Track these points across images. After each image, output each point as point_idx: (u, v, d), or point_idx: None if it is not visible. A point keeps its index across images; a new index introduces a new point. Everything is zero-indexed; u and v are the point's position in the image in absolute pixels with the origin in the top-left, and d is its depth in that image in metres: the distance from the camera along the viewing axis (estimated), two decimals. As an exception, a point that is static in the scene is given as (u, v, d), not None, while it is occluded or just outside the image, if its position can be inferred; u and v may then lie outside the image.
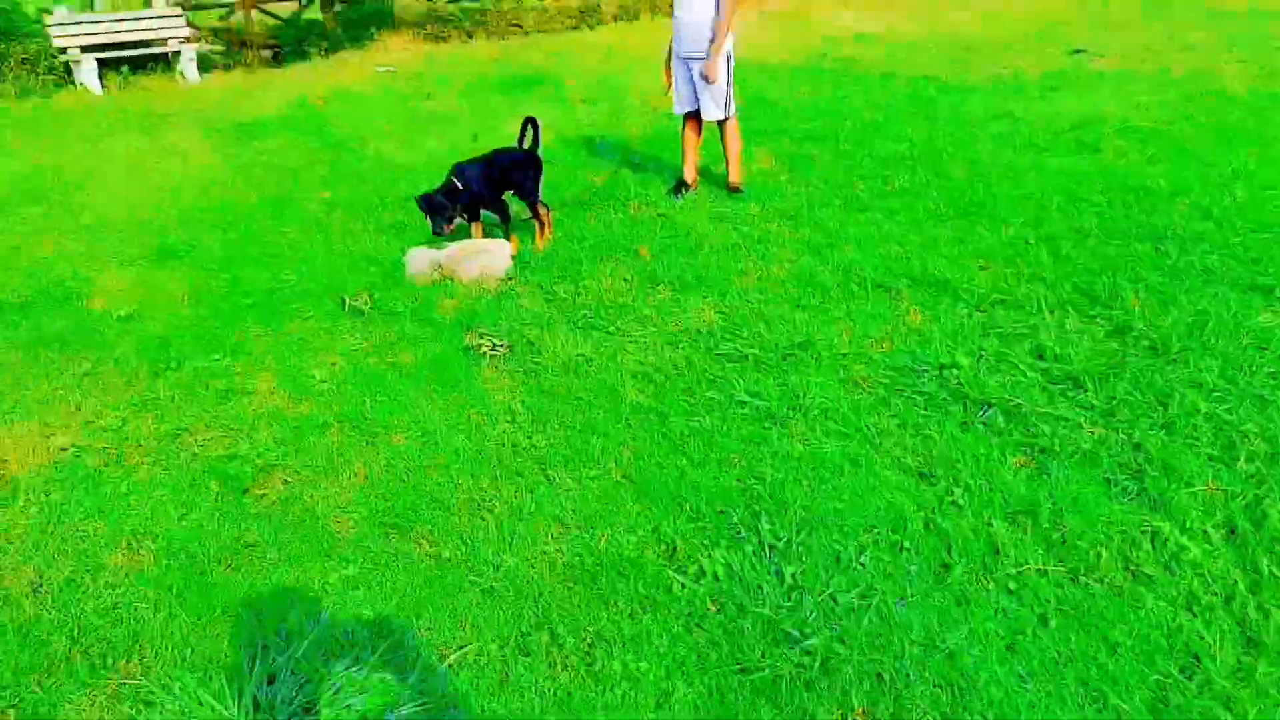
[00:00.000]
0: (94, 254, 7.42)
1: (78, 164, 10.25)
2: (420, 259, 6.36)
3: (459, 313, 5.82)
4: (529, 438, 4.35)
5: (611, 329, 5.44)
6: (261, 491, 4.08)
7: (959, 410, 4.30)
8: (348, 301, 6.02)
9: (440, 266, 6.33)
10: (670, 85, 7.76)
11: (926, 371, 4.65)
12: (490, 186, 6.60)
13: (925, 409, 4.33)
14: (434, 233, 6.19)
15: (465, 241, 6.44)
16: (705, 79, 7.36)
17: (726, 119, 7.57)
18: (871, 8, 19.29)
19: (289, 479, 4.15)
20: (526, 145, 7.00)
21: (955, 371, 4.59)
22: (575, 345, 5.22)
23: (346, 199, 8.51)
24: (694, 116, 7.78)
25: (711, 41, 7.31)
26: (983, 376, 4.52)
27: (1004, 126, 9.35)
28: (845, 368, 4.77)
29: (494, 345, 5.32)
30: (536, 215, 6.89)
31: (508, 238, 6.73)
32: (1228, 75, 10.83)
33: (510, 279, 6.29)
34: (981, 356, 4.74)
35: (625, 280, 6.11)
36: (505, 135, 10.49)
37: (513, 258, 6.44)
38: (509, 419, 4.53)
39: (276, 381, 5.09)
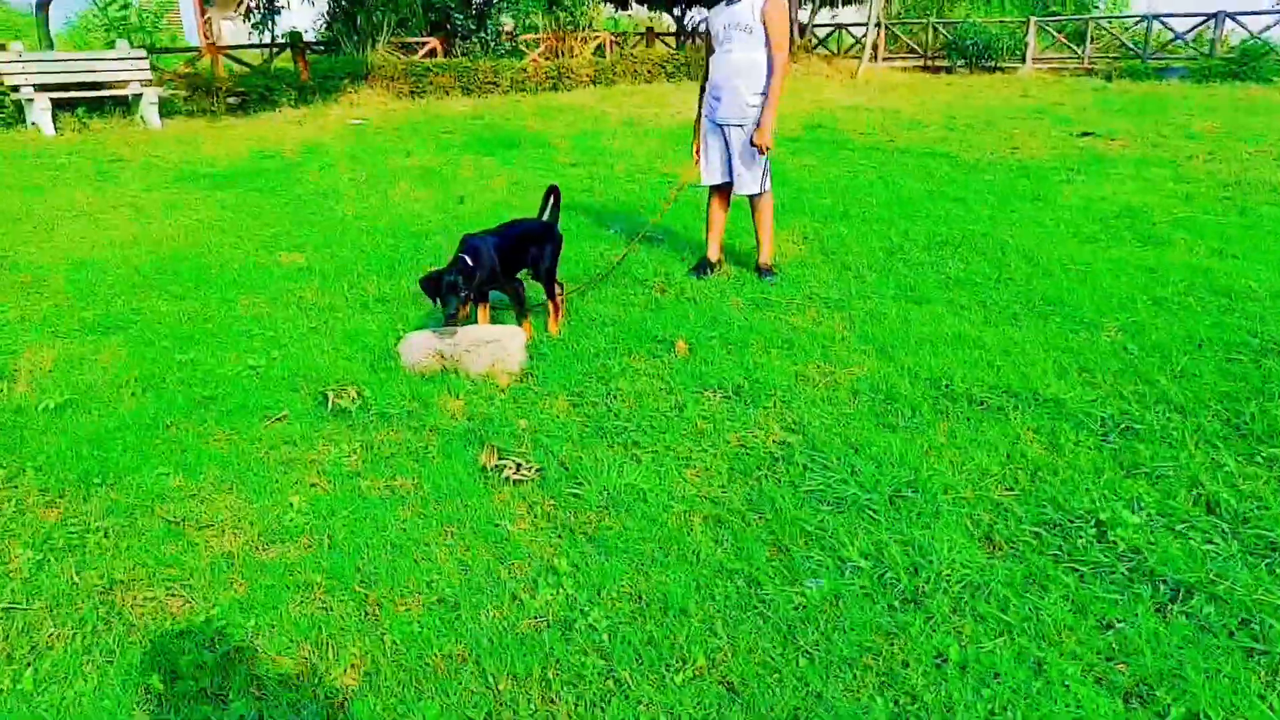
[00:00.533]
0: (25, 321, 6.12)
1: (18, 213, 8.93)
2: (418, 347, 5.17)
3: (468, 418, 4.65)
4: (583, 614, 3.18)
5: (660, 447, 4.30)
6: (220, 694, 2.84)
7: (1145, 589, 3.21)
8: (331, 398, 4.81)
9: (443, 357, 5.14)
10: (699, 155, 6.71)
11: (1079, 528, 3.56)
12: (506, 263, 5.45)
13: (1100, 587, 3.22)
14: (446, 319, 5.03)
15: (472, 328, 5.28)
16: (752, 148, 6.34)
17: (762, 194, 6.54)
18: (848, 87, 18.64)
19: (259, 675, 2.91)
20: (546, 217, 5.90)
21: (1119, 531, 3.50)
22: (620, 470, 4.07)
23: (323, 265, 7.32)
24: (722, 189, 6.74)
25: (756, 107, 6.29)
26: (1158, 539, 3.43)
27: (1038, 211, 8.44)
28: (974, 518, 3.67)
29: (518, 467, 4.14)
30: (552, 296, 5.76)
31: (520, 323, 5.57)
32: (1252, 163, 10.07)
33: (526, 374, 5.12)
34: (1139, 507, 3.66)
35: (664, 382, 4.98)
36: (493, 198, 9.43)
37: (527, 347, 5.28)
38: (551, 582, 3.35)
39: (240, 511, 3.86)
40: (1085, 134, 12.43)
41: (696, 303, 6.20)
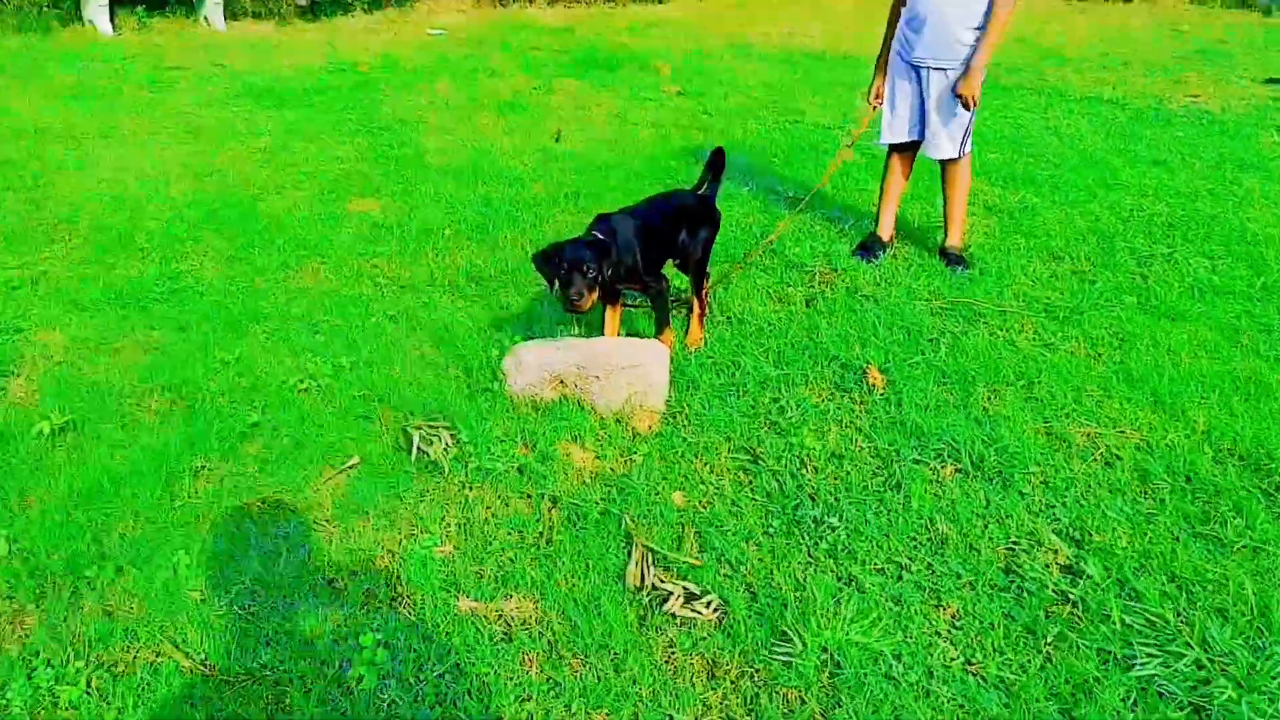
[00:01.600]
0: (41, 285, 4.81)
1: (59, 130, 7.57)
2: (531, 366, 3.74)
3: (602, 481, 3.24)
4: None
5: (888, 563, 2.90)
6: None
7: None
8: (416, 441, 3.40)
9: (564, 384, 3.70)
10: (879, 101, 5.10)
11: None
12: (650, 252, 3.97)
13: None
14: (566, 304, 3.57)
15: (600, 341, 3.81)
16: (957, 99, 4.72)
17: (960, 158, 4.93)
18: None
19: None
20: (704, 189, 4.38)
21: None
22: (838, 609, 2.66)
23: (400, 219, 5.88)
24: (906, 150, 5.14)
25: (969, 46, 4.66)
26: None
27: (1263, 182, 6.70)
28: None
29: (686, 596, 2.72)
30: (699, 294, 4.27)
31: (660, 333, 4.08)
32: None
33: (672, 411, 3.66)
34: None
35: (866, 437, 3.53)
36: (594, 134, 7.87)
37: (671, 370, 3.83)
38: None
39: (290, 664, 2.49)
40: (1272, 80, 10.44)
41: (877, 302, 4.67)
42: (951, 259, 5.18)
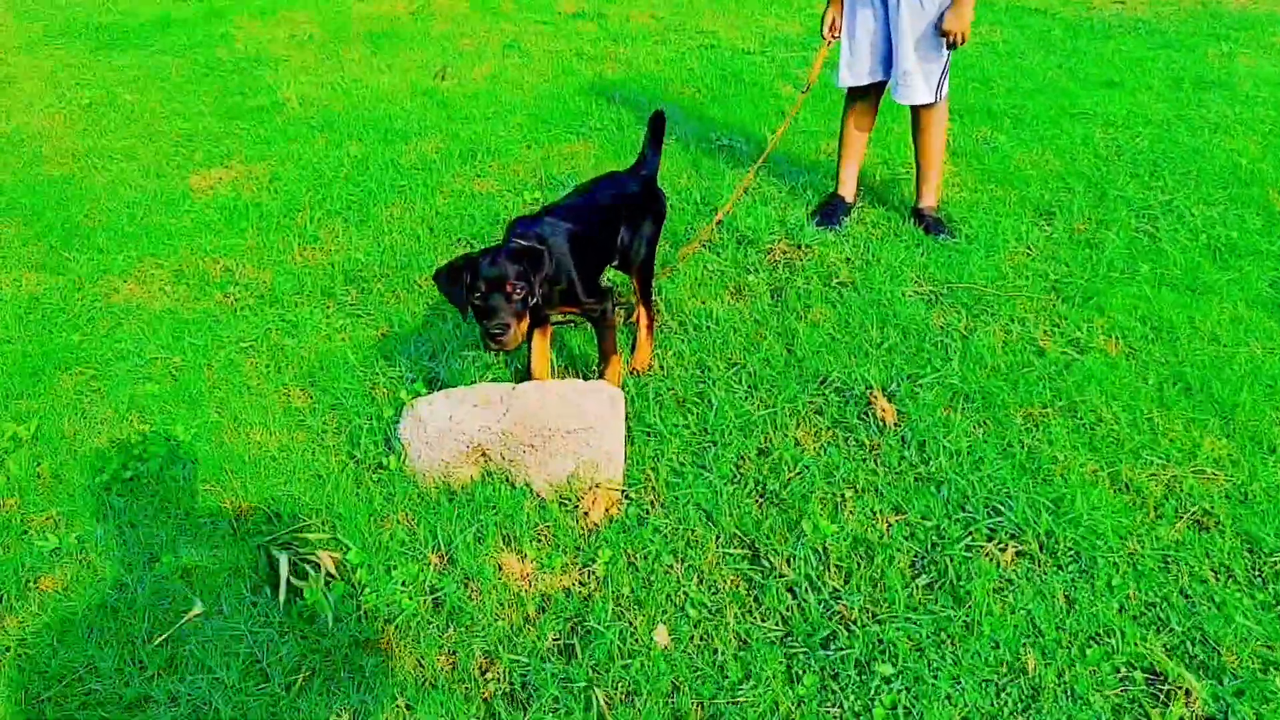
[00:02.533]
0: None
1: None
2: (438, 431, 2.67)
3: (554, 615, 2.25)
4: None
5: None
6: None
7: None
8: (284, 571, 2.30)
9: (486, 456, 2.63)
10: (834, 34, 4.05)
11: None
12: (591, 261, 2.88)
13: None
14: (487, 343, 2.51)
15: (531, 391, 2.75)
16: (938, 37, 3.72)
17: (935, 104, 3.92)
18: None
19: None
20: (645, 169, 3.30)
21: None
22: None
23: (258, 195, 4.65)
24: (869, 95, 4.11)
25: (960, -29, 3.65)
26: None
27: (1230, 104, 5.88)
28: None
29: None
30: (647, 302, 3.21)
31: (604, 368, 3.03)
32: None
33: (635, 481, 2.65)
34: None
35: (890, 506, 2.60)
36: (486, 69, 6.56)
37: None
38: None
39: None
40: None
41: (858, 290, 3.70)
42: (929, 223, 4.22)
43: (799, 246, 4.08)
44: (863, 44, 4.02)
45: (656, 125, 3.36)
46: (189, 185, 4.81)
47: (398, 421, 2.82)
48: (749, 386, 3.17)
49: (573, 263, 2.81)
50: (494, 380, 3.13)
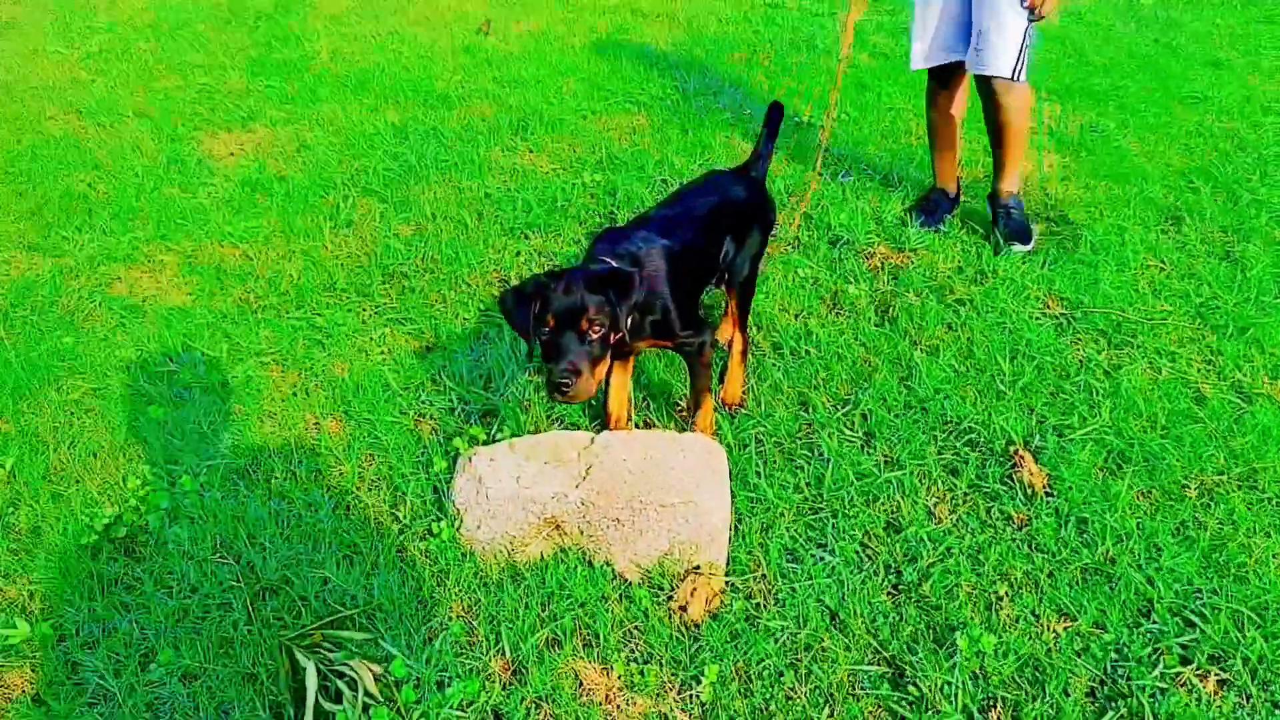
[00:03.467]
0: None
1: None
2: (501, 496, 2.09)
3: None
4: None
5: None
6: None
7: None
8: (311, 689, 1.74)
9: (559, 528, 2.07)
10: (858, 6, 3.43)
11: None
12: (693, 285, 2.30)
13: None
14: (553, 390, 1.91)
15: (616, 444, 2.16)
16: (1022, 7, 3.05)
17: (1014, 81, 3.19)
18: None
19: None
20: (756, 169, 2.69)
21: None
22: None
23: (285, 167, 4.08)
24: (948, 76, 3.42)
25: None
26: None
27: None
28: None
29: None
30: (743, 327, 2.61)
31: (697, 412, 2.44)
32: None
33: (738, 567, 2.09)
34: None
35: (1055, 611, 2.05)
36: (537, 21, 5.87)
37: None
38: None
39: None
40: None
41: (978, 310, 3.11)
42: (1009, 215, 3.55)
43: (902, 250, 3.47)
44: (934, 14, 3.36)
45: (773, 119, 2.75)
46: (206, 152, 4.21)
47: (450, 477, 2.26)
48: (865, 434, 2.59)
49: (670, 288, 2.22)
50: (564, 421, 2.55)
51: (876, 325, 3.07)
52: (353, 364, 2.85)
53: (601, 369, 2.07)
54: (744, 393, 2.73)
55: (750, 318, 2.76)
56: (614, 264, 2.15)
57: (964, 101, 3.59)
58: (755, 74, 5.19)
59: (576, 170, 4.02)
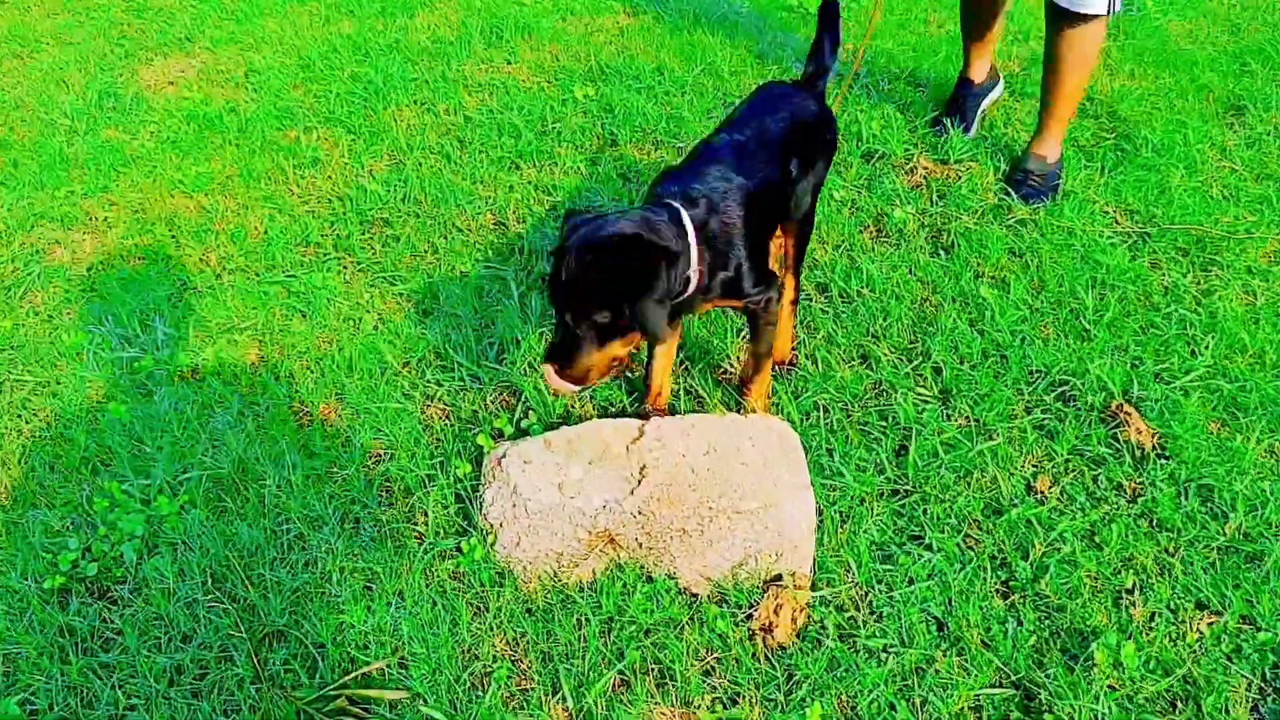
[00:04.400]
0: None
1: None
2: (543, 510, 1.79)
3: None
4: None
5: None
6: None
7: None
8: None
9: (615, 542, 1.71)
10: None
11: None
12: (769, 222, 1.91)
13: None
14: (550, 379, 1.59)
15: (671, 430, 1.82)
16: None
17: (1097, 15, 2.66)
18: None
19: None
20: (815, 76, 2.24)
21: None
22: None
23: (229, 98, 3.50)
24: None
25: None
26: None
27: None
28: None
29: None
30: (797, 271, 2.23)
31: (754, 379, 2.06)
32: None
33: (826, 574, 1.77)
34: None
35: (1191, 597, 1.73)
36: None
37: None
38: None
39: None
40: None
41: (1041, 232, 2.72)
42: (1029, 180, 2.91)
43: (945, 162, 3.06)
44: None
45: (829, 16, 2.30)
46: (142, 83, 3.66)
47: (475, 482, 1.89)
48: (940, 392, 2.24)
49: (747, 240, 1.83)
50: (595, 399, 2.18)
51: (931, 255, 2.69)
52: (340, 336, 2.44)
53: (602, 358, 1.69)
54: (794, 348, 2.37)
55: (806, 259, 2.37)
56: (678, 208, 1.74)
57: (1000, 11, 3.10)
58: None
59: (564, 84, 3.54)
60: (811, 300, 2.53)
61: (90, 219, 2.94)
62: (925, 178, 3.03)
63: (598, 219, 1.71)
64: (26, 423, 2.26)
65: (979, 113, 3.21)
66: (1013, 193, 2.91)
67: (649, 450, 1.84)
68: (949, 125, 3.15)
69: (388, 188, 3.01)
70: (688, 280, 1.75)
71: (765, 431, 1.89)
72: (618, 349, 1.72)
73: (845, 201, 2.92)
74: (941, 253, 2.72)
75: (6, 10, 4.29)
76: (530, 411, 2.17)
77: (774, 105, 2.09)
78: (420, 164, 3.12)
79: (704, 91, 3.43)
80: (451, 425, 2.18)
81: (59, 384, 2.34)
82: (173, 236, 2.84)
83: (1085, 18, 2.60)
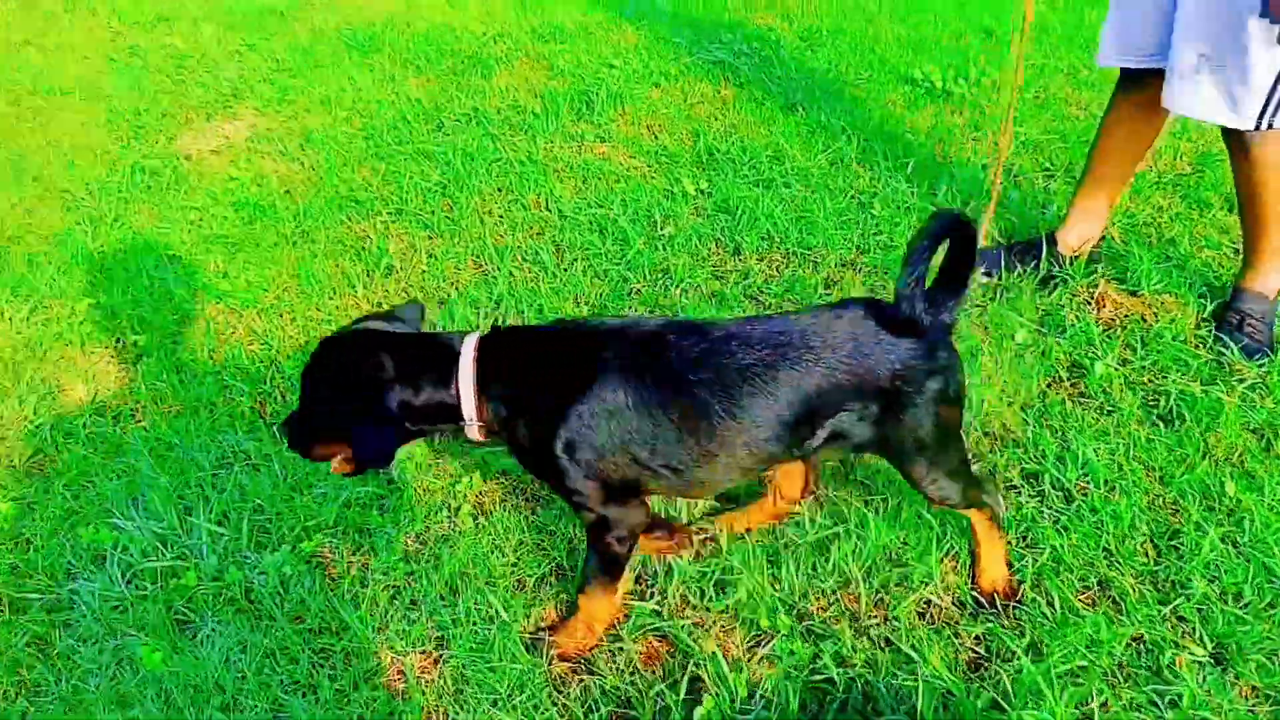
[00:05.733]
0: None
1: None
2: None
3: None
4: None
5: None
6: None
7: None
8: None
9: None
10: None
11: None
12: None
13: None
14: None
15: None
16: (1265, 13, 1.89)
17: (1262, 129, 2.05)
18: None
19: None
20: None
21: None
22: None
23: (284, 181, 2.91)
24: (1146, 84, 2.25)
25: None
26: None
27: None
28: None
29: None
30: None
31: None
32: None
33: None
34: None
35: None
36: None
37: None
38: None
39: None
40: None
41: (1275, 397, 2.10)
42: (1246, 323, 2.31)
43: (1135, 294, 2.47)
44: (1137, 8, 2.23)
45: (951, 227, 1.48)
46: (180, 152, 3.08)
47: None
48: (1214, 653, 1.65)
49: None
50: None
51: (1150, 427, 2.10)
52: (431, 533, 1.85)
53: None
54: (1012, 570, 1.78)
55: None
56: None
57: (1157, 125, 2.46)
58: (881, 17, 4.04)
59: (669, 171, 2.95)
60: (1021, 494, 1.94)
61: (116, 344, 2.36)
62: (1113, 309, 2.43)
63: None
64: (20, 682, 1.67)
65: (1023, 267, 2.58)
66: (1229, 342, 2.31)
67: None
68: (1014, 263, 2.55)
69: (476, 308, 2.42)
70: None
71: None
72: None
73: (1025, 344, 2.33)
74: (1160, 424, 2.12)
75: (31, 52, 3.71)
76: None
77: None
78: (512, 275, 2.53)
79: (833, 188, 2.84)
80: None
81: (73, 604, 1.75)
82: (217, 373, 2.25)
83: (1245, 132, 2.06)
